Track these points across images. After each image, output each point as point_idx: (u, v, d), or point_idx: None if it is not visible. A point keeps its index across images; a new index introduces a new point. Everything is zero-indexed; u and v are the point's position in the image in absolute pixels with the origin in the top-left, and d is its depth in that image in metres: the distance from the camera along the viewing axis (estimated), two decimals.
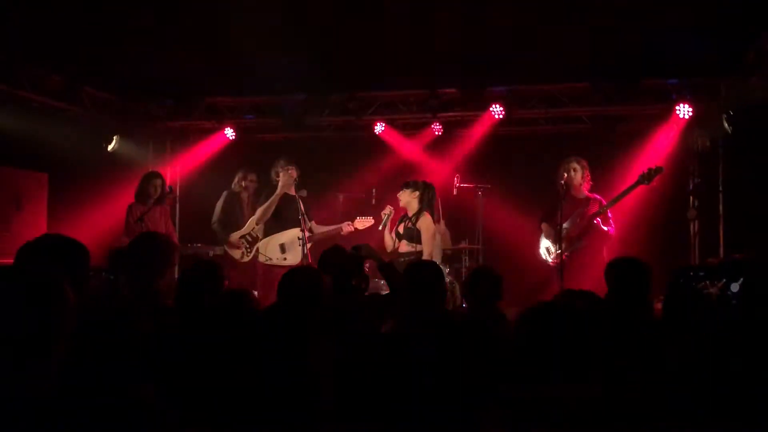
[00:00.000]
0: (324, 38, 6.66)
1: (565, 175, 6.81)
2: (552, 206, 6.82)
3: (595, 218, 6.78)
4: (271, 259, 7.03)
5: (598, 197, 6.98)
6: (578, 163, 6.92)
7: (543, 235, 7.12)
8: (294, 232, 7.00)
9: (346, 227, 7.13)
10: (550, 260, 7.01)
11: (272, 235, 7.22)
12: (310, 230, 7.07)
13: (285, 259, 7.00)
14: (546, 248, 7.07)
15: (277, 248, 7.08)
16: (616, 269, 3.63)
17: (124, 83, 8.04)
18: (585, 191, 6.98)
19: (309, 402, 2.52)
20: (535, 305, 2.07)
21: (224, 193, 7.97)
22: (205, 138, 8.87)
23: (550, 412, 1.77)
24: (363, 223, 7.14)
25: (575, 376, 1.83)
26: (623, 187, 6.94)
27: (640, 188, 6.81)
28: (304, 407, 2.49)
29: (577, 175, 6.89)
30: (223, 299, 3.39)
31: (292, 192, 7.15)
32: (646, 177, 6.72)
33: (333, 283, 3.68)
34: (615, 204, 6.87)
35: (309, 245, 6.95)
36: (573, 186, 6.86)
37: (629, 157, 7.75)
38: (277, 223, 7.16)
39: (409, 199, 6.66)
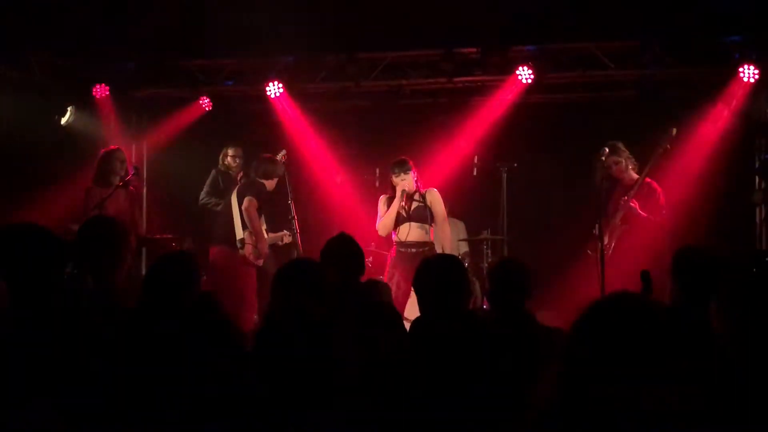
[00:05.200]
0: None
1: (611, 169, 6.69)
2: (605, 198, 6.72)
3: (630, 201, 6.64)
4: None
5: (647, 180, 6.84)
6: (616, 153, 6.76)
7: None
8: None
9: (286, 238, 7.39)
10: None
11: None
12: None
13: None
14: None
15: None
16: (683, 261, 3.52)
17: (78, 44, 7.90)
18: (634, 174, 6.85)
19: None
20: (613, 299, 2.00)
21: None
22: (177, 109, 8.73)
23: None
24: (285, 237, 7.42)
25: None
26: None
27: (696, 167, 6.67)
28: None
29: (621, 165, 6.78)
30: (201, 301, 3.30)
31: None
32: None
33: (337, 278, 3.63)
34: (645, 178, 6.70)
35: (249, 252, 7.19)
36: (623, 177, 6.79)
37: (681, 129, 7.64)
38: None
39: (411, 181, 6.63)
